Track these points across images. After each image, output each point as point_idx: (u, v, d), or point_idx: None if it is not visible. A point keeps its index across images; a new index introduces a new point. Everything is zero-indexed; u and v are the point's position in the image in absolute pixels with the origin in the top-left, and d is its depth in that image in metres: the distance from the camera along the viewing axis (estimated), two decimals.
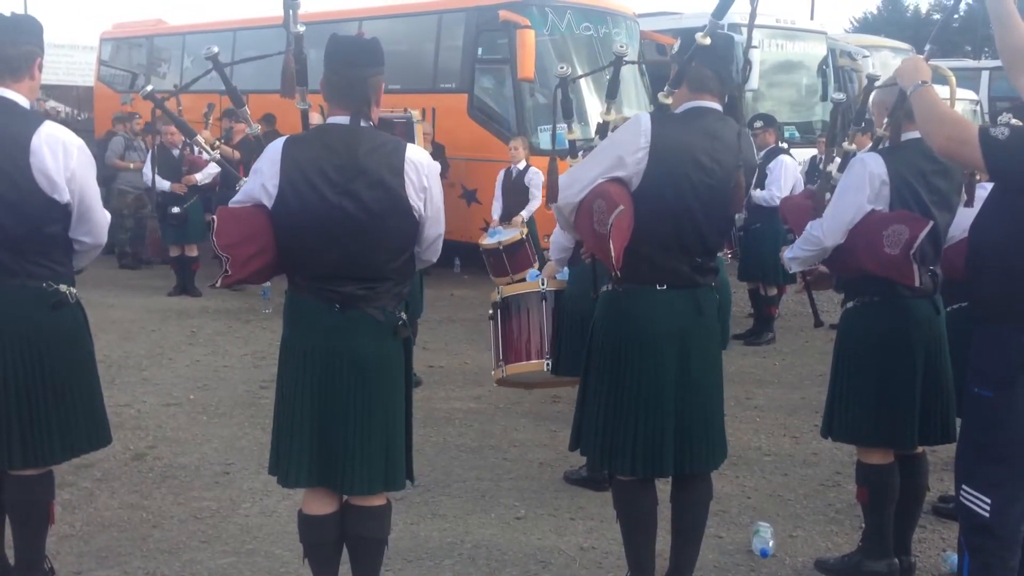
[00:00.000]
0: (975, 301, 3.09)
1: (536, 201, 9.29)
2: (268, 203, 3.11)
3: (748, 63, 3.37)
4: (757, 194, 7.94)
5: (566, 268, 4.87)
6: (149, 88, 3.75)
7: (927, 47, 3.66)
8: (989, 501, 2.94)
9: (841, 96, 4.36)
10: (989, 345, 2.96)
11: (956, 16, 27.83)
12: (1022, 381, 2.88)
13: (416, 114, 9.62)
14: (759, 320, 8.60)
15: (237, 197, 3.22)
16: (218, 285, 3.19)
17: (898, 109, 3.54)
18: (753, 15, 3.29)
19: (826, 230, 3.62)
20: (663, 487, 3.58)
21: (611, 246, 3.14)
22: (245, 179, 3.31)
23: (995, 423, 2.93)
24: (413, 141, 9.03)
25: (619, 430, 3.36)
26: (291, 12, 3.36)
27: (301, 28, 3.41)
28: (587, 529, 4.39)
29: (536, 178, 9.31)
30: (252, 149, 3.76)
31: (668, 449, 3.35)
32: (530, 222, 9.30)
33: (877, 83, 3.81)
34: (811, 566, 4.04)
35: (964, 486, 3.02)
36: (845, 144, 4.00)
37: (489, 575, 3.94)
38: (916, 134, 3.62)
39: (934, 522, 4.47)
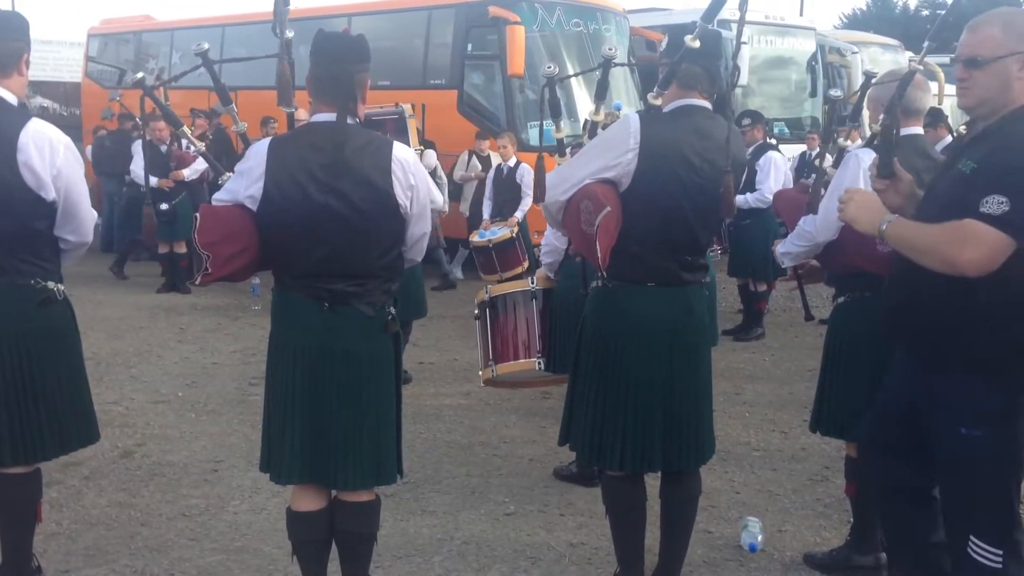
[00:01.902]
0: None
1: (529, 199, 9.30)
2: (253, 205, 3.11)
3: (737, 68, 3.34)
4: (747, 199, 7.95)
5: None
6: (139, 75, 3.73)
7: (925, 43, 3.66)
8: (1001, 553, 2.72)
9: (838, 93, 4.37)
10: (970, 383, 2.71)
11: (944, 12, 27.91)
12: (1016, 411, 2.69)
13: (408, 108, 9.60)
14: (748, 316, 8.63)
15: (220, 195, 3.22)
16: (197, 283, 3.19)
17: (895, 106, 3.54)
18: (743, 17, 3.28)
19: (819, 226, 3.63)
20: (652, 483, 3.59)
21: (597, 247, 3.15)
22: (230, 174, 3.31)
23: (993, 462, 2.70)
24: (406, 136, 9.00)
25: (608, 426, 3.37)
26: (282, 17, 3.35)
27: (290, 34, 3.40)
28: (577, 525, 4.39)
29: (528, 176, 9.31)
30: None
31: (657, 445, 3.36)
32: (521, 220, 9.31)
33: (874, 80, 3.81)
34: (800, 560, 4.05)
35: (973, 538, 2.74)
36: (840, 140, 4.00)
37: (479, 571, 3.94)
38: (913, 130, 3.63)
39: None
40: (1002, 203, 2.51)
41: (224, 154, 11.25)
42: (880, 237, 2.78)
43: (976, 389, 2.69)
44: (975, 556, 2.74)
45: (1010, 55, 2.66)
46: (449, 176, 11.06)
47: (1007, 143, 2.60)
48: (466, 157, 10.88)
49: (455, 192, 11.04)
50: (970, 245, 2.54)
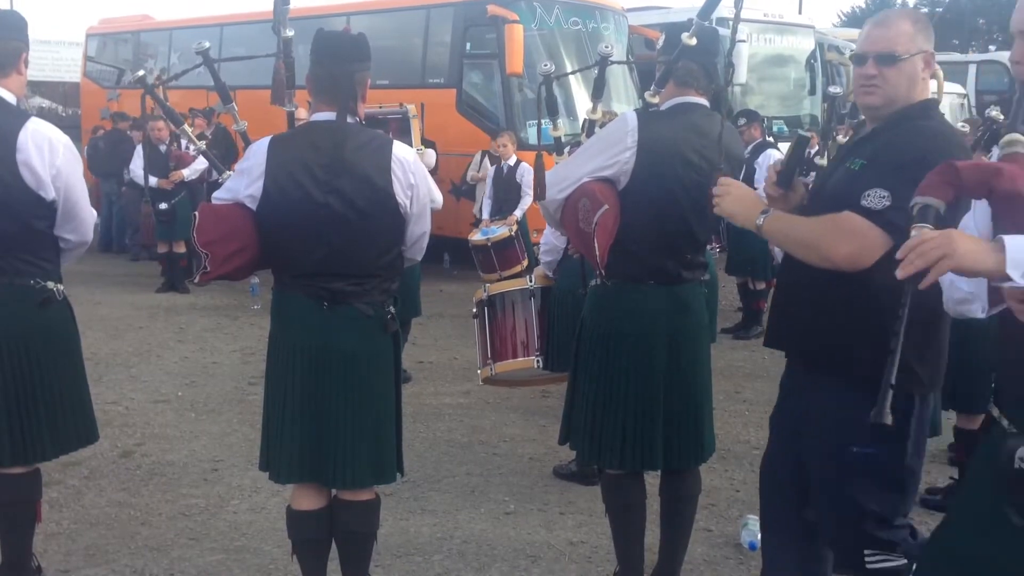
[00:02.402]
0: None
1: (528, 198, 9.28)
2: (253, 204, 3.11)
3: (732, 65, 3.32)
4: None
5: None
6: (140, 73, 3.73)
7: None
8: (898, 552, 2.64)
9: (838, 90, 4.35)
10: (859, 398, 2.50)
11: (940, 9, 27.99)
12: (907, 426, 2.57)
13: (412, 108, 9.58)
14: (748, 314, 8.63)
15: (220, 194, 3.22)
16: (196, 281, 3.20)
17: None
18: (738, 14, 3.27)
19: None
20: (652, 481, 3.59)
21: (595, 244, 3.16)
22: (230, 172, 3.31)
23: (886, 479, 2.61)
24: (409, 136, 8.99)
25: (608, 424, 3.37)
26: (281, 16, 3.36)
27: (290, 32, 3.40)
28: (576, 523, 4.39)
29: (528, 175, 9.28)
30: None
31: (657, 443, 3.36)
32: (520, 218, 9.31)
33: None
34: None
35: (868, 552, 2.65)
36: (839, 137, 4.00)
37: (479, 570, 3.94)
38: None
39: (922, 514, 4.48)
40: (884, 197, 2.40)
41: (226, 153, 11.26)
42: (757, 231, 2.69)
43: (867, 405, 2.50)
44: (877, 566, 2.65)
45: (919, 53, 2.57)
46: (463, 177, 11.06)
47: (897, 139, 2.51)
48: (479, 158, 10.86)
49: (467, 193, 11.03)
50: (846, 239, 2.44)
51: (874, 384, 2.01)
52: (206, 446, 5.42)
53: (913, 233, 1.88)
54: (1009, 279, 1.79)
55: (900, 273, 1.86)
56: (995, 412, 2.06)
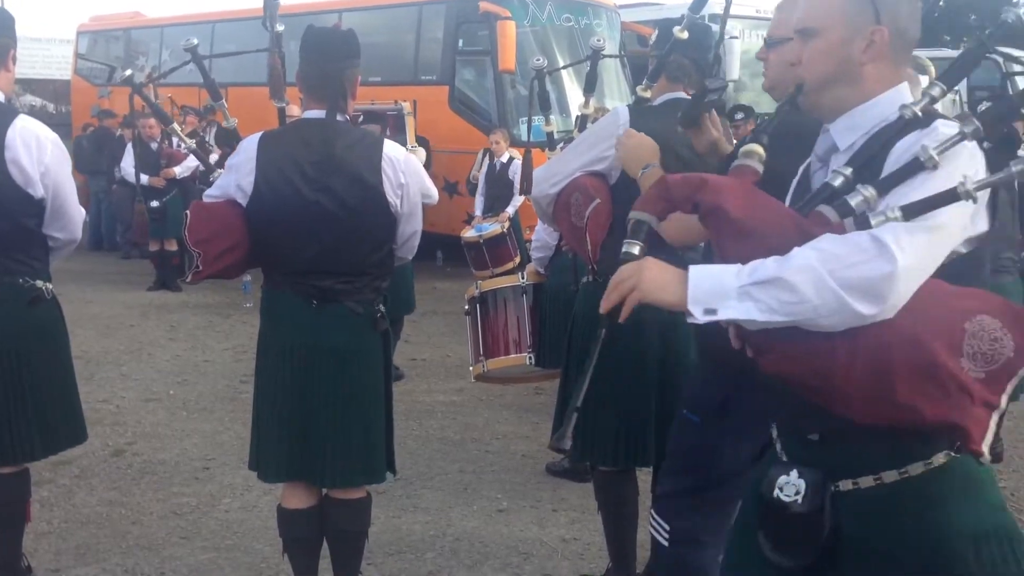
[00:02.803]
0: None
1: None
2: (243, 201, 3.10)
3: (719, 58, 3.30)
4: None
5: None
6: (128, 72, 3.72)
7: None
8: (669, 529, 2.78)
9: None
10: (701, 371, 2.85)
11: (942, 3, 28.09)
12: (727, 410, 2.70)
13: (407, 106, 9.56)
14: None
15: (211, 191, 3.21)
16: (188, 280, 3.18)
17: None
18: (727, 9, 3.26)
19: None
20: (644, 478, 3.59)
21: (587, 239, 3.15)
22: (221, 171, 3.30)
23: (697, 448, 2.79)
24: (404, 134, 8.97)
25: (600, 421, 3.35)
26: (272, 11, 3.35)
27: (280, 27, 3.39)
28: (569, 520, 4.39)
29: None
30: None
31: (649, 440, 3.35)
32: (512, 215, 9.30)
33: None
34: None
35: (653, 511, 2.87)
36: None
37: (471, 567, 3.94)
38: None
39: None
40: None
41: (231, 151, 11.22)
42: (638, 183, 2.73)
43: (705, 377, 2.76)
44: (651, 529, 2.84)
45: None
46: (468, 178, 11.03)
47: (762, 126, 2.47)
48: (481, 157, 10.83)
49: (472, 191, 11.01)
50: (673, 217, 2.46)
51: (740, 374, 2.10)
52: (197, 445, 5.40)
53: (623, 249, 1.83)
54: (691, 315, 1.68)
55: (601, 309, 1.82)
56: (774, 434, 1.95)
